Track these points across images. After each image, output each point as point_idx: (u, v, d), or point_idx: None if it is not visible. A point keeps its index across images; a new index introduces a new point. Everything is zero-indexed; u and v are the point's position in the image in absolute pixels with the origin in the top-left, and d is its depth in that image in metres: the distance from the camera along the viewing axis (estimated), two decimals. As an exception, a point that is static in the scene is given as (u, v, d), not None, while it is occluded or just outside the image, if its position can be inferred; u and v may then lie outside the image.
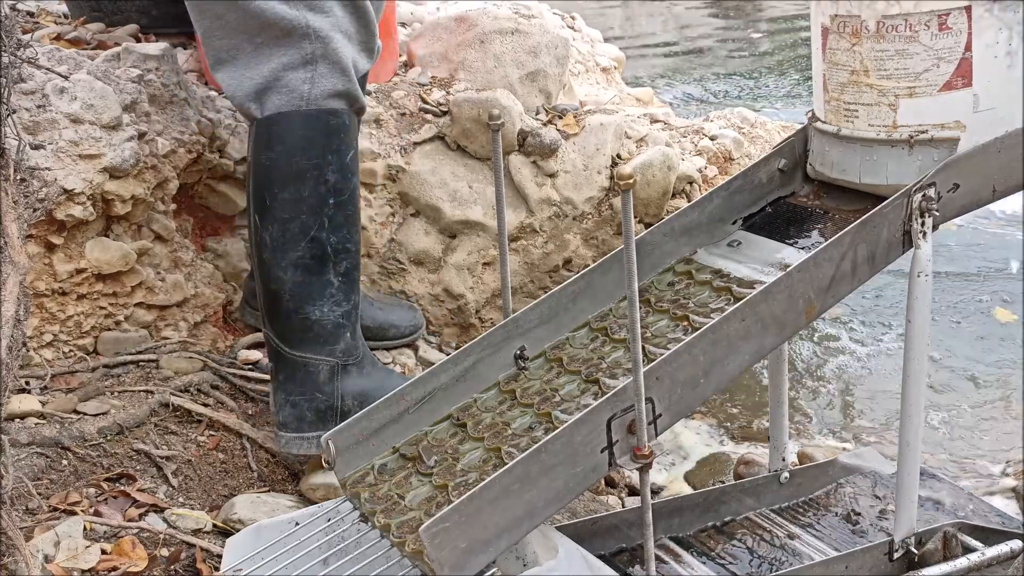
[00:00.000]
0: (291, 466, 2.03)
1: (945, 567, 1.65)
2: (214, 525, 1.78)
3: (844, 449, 2.61)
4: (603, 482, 2.40)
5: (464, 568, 1.26)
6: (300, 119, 1.85)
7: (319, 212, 1.86)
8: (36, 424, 1.88)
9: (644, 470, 1.34)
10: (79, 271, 2.11)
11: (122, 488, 1.81)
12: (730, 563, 1.74)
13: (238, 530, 1.69)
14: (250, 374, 2.19)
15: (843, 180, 1.63)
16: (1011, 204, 3.78)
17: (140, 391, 2.04)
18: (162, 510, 1.78)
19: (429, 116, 2.67)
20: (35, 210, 1.41)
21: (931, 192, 1.50)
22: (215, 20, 1.87)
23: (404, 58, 2.91)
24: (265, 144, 1.86)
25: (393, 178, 2.62)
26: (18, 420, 1.87)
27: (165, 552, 1.68)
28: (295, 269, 1.86)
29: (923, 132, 1.53)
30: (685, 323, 1.55)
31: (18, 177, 1.32)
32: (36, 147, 1.95)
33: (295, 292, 1.87)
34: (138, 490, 1.81)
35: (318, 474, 1.91)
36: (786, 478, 1.90)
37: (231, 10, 1.84)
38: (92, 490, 1.79)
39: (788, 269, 1.46)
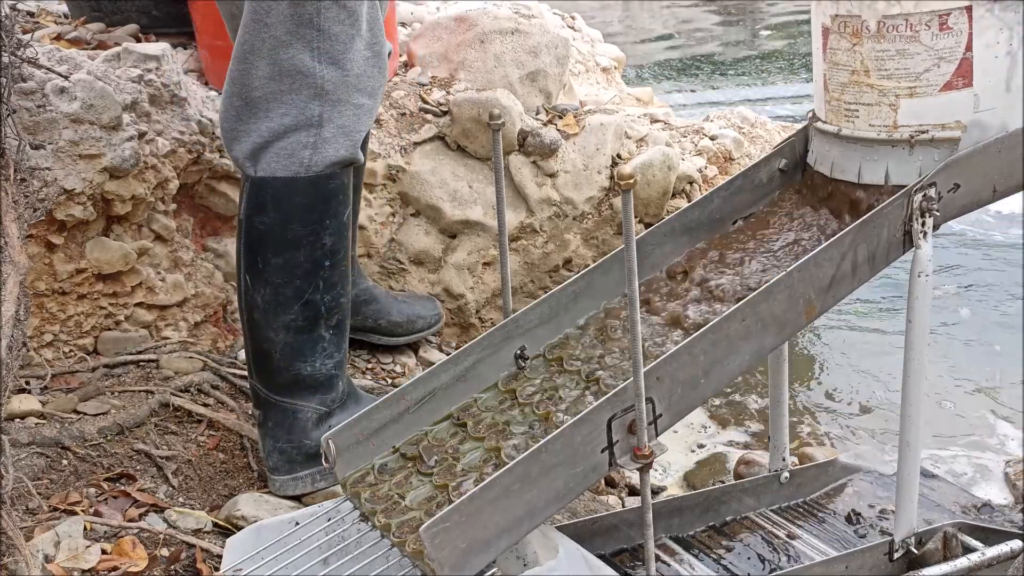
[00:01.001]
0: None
1: (945, 567, 1.65)
2: (214, 525, 1.78)
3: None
4: (603, 482, 2.40)
5: (464, 568, 1.25)
6: (298, 186, 1.76)
7: (314, 276, 1.79)
8: (36, 424, 1.88)
9: (644, 470, 1.34)
10: (79, 271, 2.12)
11: (122, 488, 1.80)
12: (730, 563, 1.74)
13: (241, 527, 1.69)
14: (250, 374, 2.19)
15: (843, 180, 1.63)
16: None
17: (140, 391, 2.04)
18: (162, 510, 1.78)
19: (429, 116, 2.67)
20: (35, 210, 1.41)
21: (932, 192, 1.50)
22: (242, 64, 1.77)
23: (404, 58, 2.91)
24: (259, 206, 1.77)
25: (393, 178, 2.62)
26: (18, 420, 1.87)
27: (165, 552, 1.68)
28: (287, 331, 1.80)
29: (924, 132, 1.53)
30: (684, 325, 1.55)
31: (18, 177, 1.33)
32: (36, 147, 1.96)
33: (285, 352, 1.82)
34: (138, 490, 1.81)
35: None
36: (786, 478, 1.90)
37: (261, 56, 1.75)
38: (92, 490, 1.79)
39: (789, 269, 1.46)
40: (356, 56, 1.78)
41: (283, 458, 1.86)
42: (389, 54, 2.18)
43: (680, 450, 2.72)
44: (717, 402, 2.91)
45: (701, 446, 2.74)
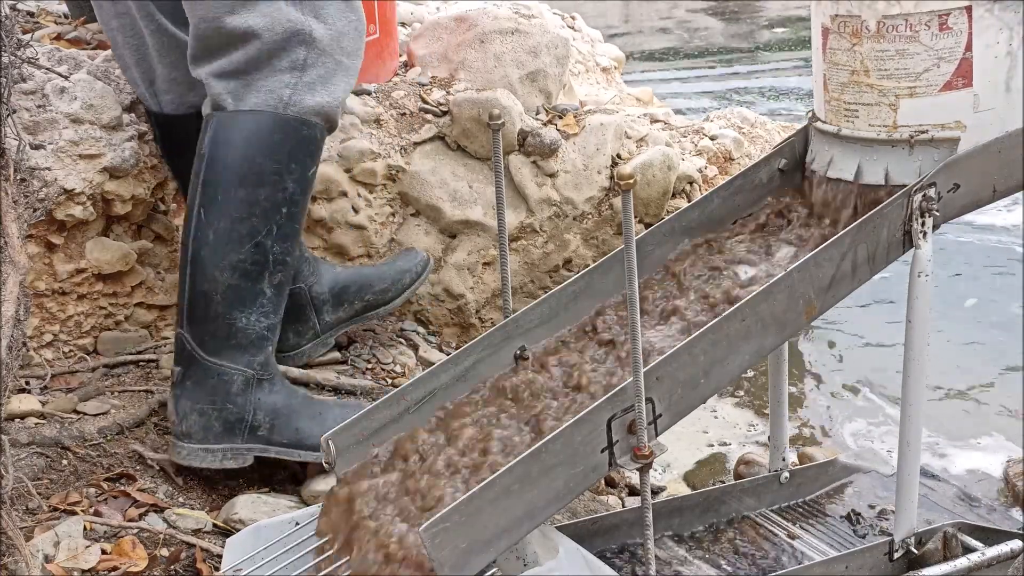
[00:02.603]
0: (291, 467, 2.03)
1: (945, 567, 1.65)
2: (214, 525, 1.78)
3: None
4: (603, 482, 2.40)
5: (464, 568, 1.26)
6: (272, 121, 1.79)
7: (270, 218, 1.80)
8: (36, 424, 1.88)
9: (644, 470, 1.34)
10: (79, 271, 2.12)
11: (122, 488, 1.80)
12: (730, 563, 1.74)
13: (238, 530, 1.69)
14: (250, 374, 2.18)
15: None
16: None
17: (140, 391, 2.04)
18: (162, 510, 1.78)
19: (429, 116, 2.67)
20: (35, 210, 1.41)
21: (931, 192, 1.50)
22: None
23: (404, 58, 2.90)
24: (227, 138, 1.80)
25: (393, 178, 2.62)
26: (18, 420, 1.87)
27: (165, 552, 1.68)
28: (232, 272, 1.79)
29: (923, 132, 1.53)
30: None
31: (18, 177, 1.33)
32: (36, 147, 1.96)
33: (227, 295, 1.80)
34: (138, 490, 1.81)
35: (319, 481, 1.90)
36: (786, 478, 1.90)
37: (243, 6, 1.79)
38: (92, 490, 1.79)
39: (788, 269, 1.46)
40: (335, 12, 1.84)
41: (201, 422, 1.81)
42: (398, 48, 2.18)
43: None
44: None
45: (714, 444, 2.75)
